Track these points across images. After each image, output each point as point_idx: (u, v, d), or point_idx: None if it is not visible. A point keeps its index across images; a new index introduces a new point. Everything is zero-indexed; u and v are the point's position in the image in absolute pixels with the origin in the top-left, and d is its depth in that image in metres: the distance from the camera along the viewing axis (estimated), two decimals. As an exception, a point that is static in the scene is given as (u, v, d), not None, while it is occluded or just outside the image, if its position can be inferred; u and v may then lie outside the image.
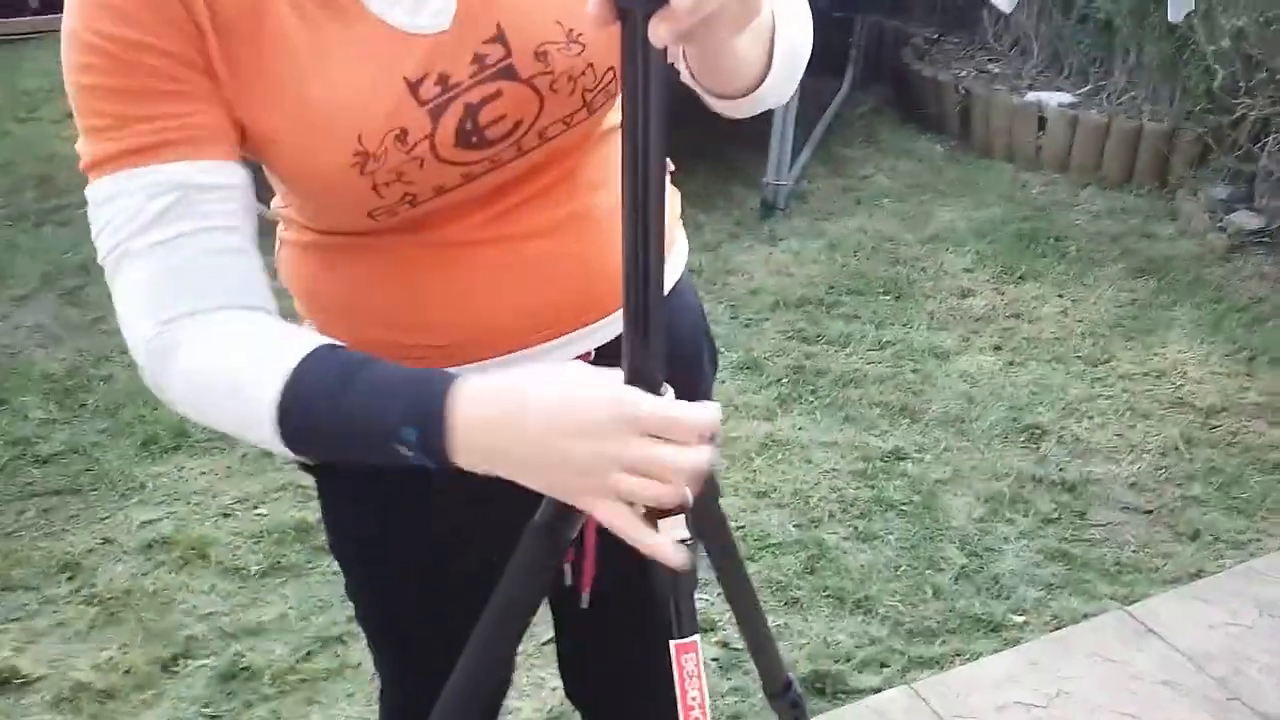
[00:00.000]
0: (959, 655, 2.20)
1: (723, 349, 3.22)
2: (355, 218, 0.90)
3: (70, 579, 2.33)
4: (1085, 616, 2.28)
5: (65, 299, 3.47)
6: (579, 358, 0.99)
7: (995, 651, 2.19)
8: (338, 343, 0.84)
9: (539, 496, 0.85)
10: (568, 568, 1.09)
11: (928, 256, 3.81)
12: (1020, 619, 2.30)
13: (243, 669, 2.11)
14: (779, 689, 1.20)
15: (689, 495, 0.78)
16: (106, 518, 2.51)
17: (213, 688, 2.08)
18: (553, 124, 0.92)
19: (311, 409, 0.80)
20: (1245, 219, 3.83)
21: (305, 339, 0.84)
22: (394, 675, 1.32)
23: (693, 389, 1.01)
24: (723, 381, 3.08)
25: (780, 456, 2.78)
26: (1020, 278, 3.67)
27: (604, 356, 0.99)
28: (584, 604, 1.12)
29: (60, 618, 2.23)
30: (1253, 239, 3.76)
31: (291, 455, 0.85)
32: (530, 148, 0.92)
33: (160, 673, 2.11)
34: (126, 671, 2.10)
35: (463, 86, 0.86)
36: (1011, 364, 3.20)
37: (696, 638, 0.84)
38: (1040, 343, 3.31)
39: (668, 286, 1.09)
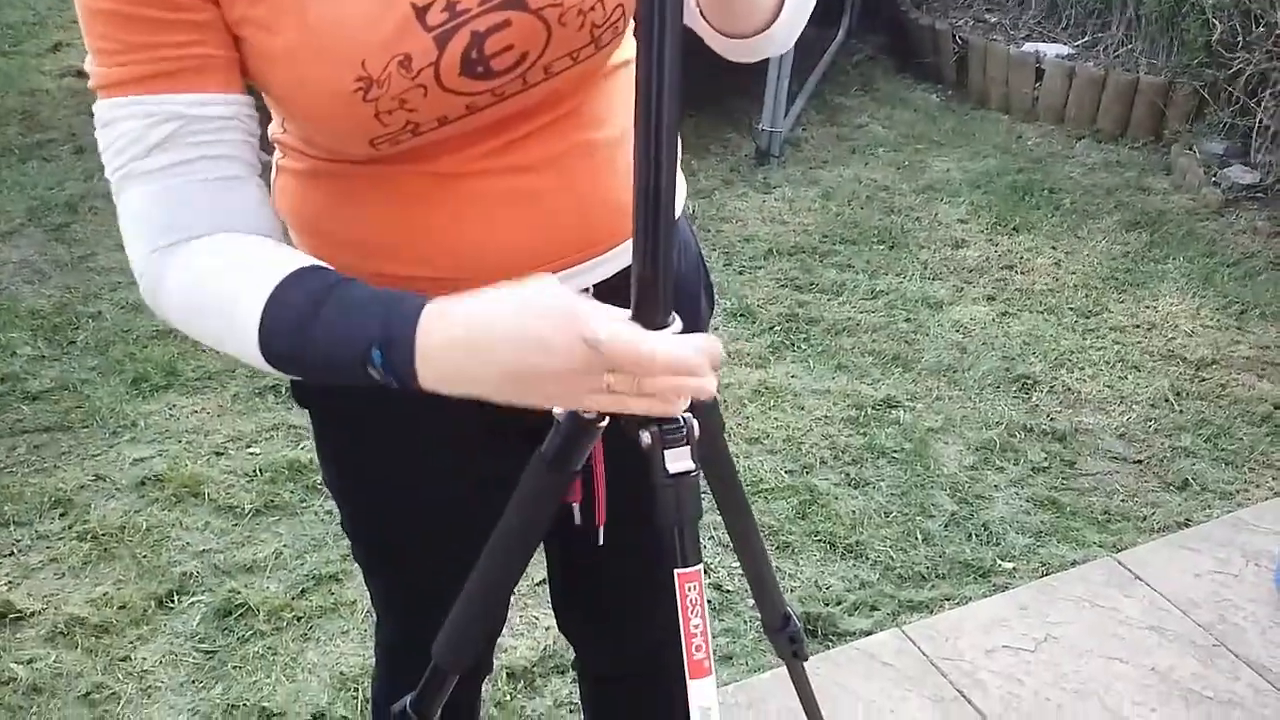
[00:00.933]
0: (948, 600, 2.23)
1: (715, 296, 3.22)
2: (357, 145, 0.89)
3: (63, 515, 2.33)
4: (1073, 564, 2.31)
5: (52, 235, 3.43)
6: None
7: (984, 597, 2.22)
8: (321, 264, 0.84)
9: (534, 424, 0.85)
10: (576, 509, 1.09)
11: (922, 206, 3.80)
12: (1009, 566, 2.33)
13: (238, 605, 2.11)
14: (778, 623, 1.21)
15: (678, 407, 0.78)
16: (98, 455, 2.50)
17: (208, 624, 2.09)
18: (559, 58, 0.90)
19: (287, 329, 0.81)
20: (1240, 174, 3.83)
21: (290, 259, 0.84)
22: (388, 608, 1.33)
23: (691, 326, 1.03)
24: (715, 329, 3.07)
25: (773, 403, 2.79)
26: (1014, 229, 3.66)
27: (604, 292, 0.99)
28: (599, 540, 1.12)
29: (53, 553, 2.23)
30: (1246, 194, 3.76)
31: (280, 374, 0.86)
32: (535, 81, 0.91)
33: (155, 608, 2.11)
34: (121, 607, 2.10)
35: (470, 14, 0.85)
36: (1004, 314, 3.21)
37: (700, 567, 0.85)
38: (1033, 294, 3.31)
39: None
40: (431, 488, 1.11)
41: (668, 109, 0.72)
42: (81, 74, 4.70)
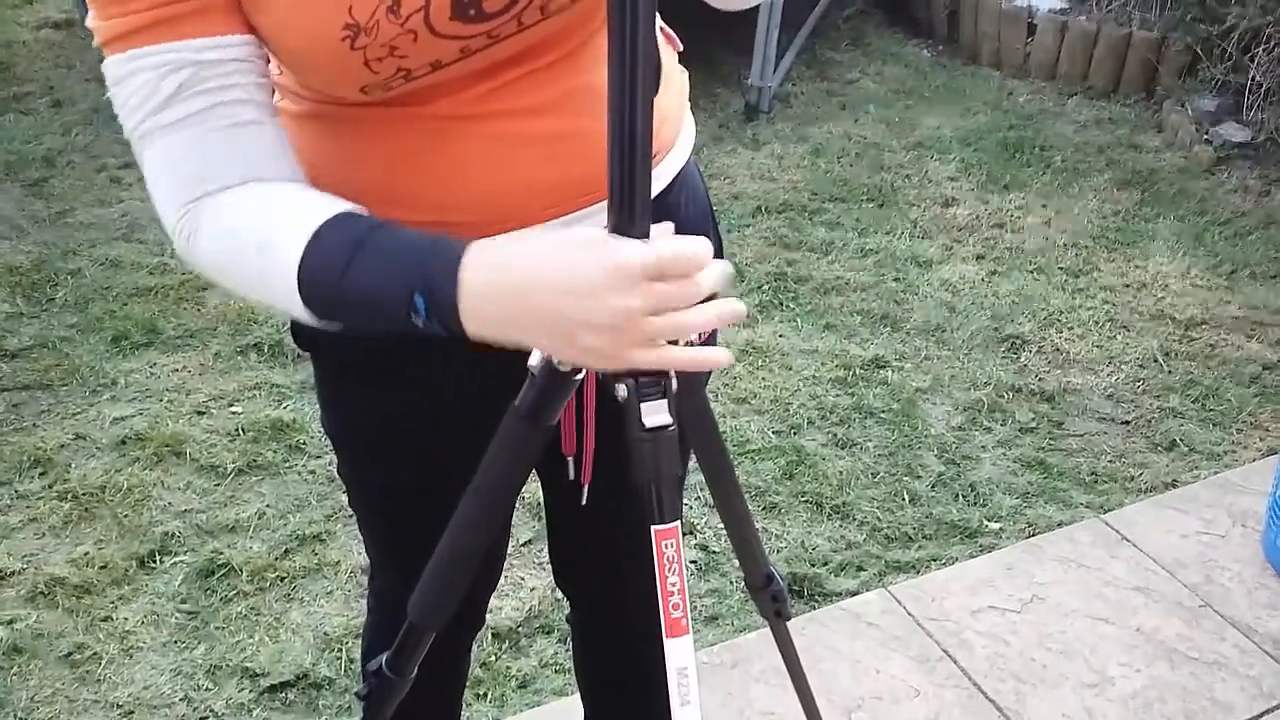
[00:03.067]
0: (935, 560, 2.22)
1: (704, 254, 3.19)
2: (347, 91, 0.87)
3: (42, 474, 2.30)
4: (1060, 524, 2.30)
5: (29, 190, 3.37)
6: None
7: (970, 557, 2.22)
8: (356, 208, 0.82)
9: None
10: (570, 461, 1.08)
11: (912, 164, 3.76)
12: (996, 526, 2.32)
13: (220, 566, 2.10)
14: (761, 582, 1.20)
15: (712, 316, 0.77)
16: (78, 413, 2.47)
17: (190, 584, 2.07)
18: None
19: (327, 279, 0.79)
20: (1232, 131, 3.80)
21: (325, 205, 0.82)
22: (384, 557, 1.31)
23: None
24: (704, 286, 3.05)
25: (760, 363, 2.77)
26: (1004, 187, 3.64)
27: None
28: (583, 500, 1.11)
29: (33, 513, 2.20)
30: (1238, 151, 3.74)
31: (317, 321, 0.83)
32: (531, 23, 0.88)
33: (137, 568, 2.09)
34: (103, 567, 2.08)
35: None
36: (994, 274, 3.19)
37: (677, 524, 0.83)
38: (1023, 253, 3.29)
39: (677, 165, 1.07)
40: (433, 433, 1.09)
41: (643, 37, 0.70)
42: (58, 25, 4.64)
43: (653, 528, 0.83)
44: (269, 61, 0.88)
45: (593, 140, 0.93)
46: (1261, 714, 1.88)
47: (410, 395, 1.07)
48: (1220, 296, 3.11)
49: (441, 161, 0.92)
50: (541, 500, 1.36)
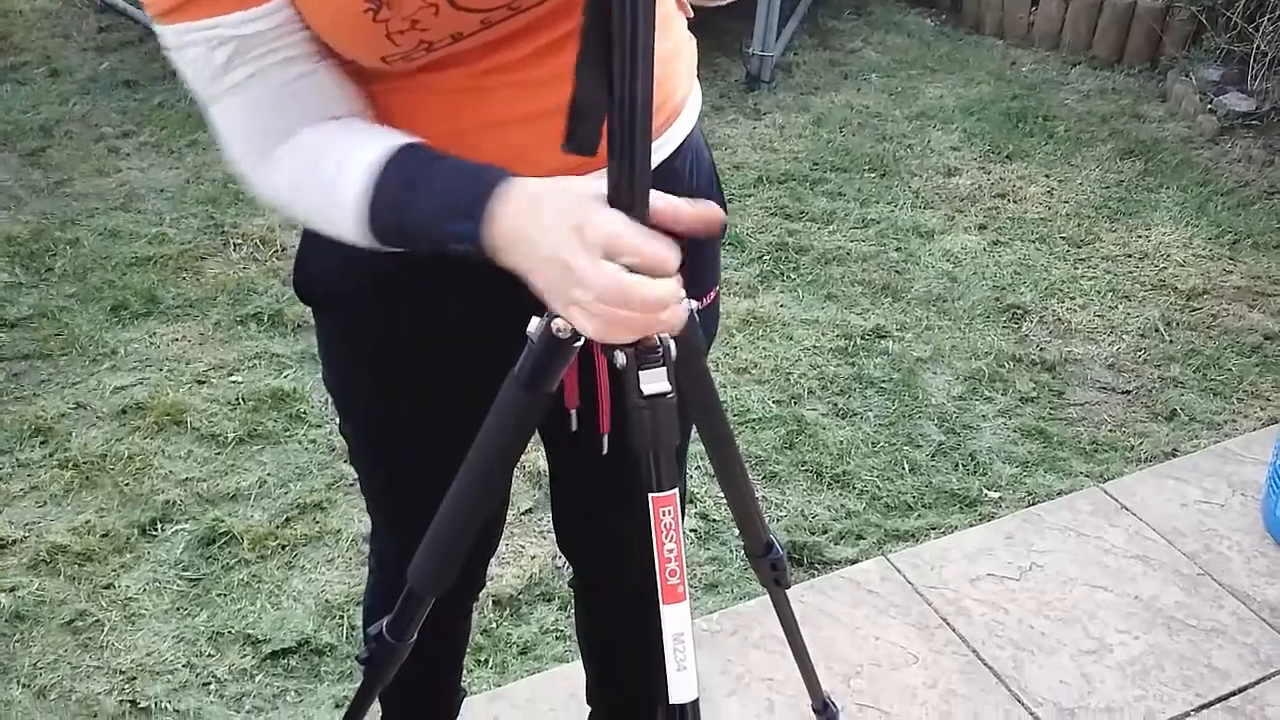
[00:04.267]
0: (934, 529, 2.23)
1: (705, 223, 3.17)
2: (369, 60, 0.88)
3: (43, 443, 2.30)
4: (1060, 494, 2.31)
5: (27, 160, 3.36)
6: None
7: (970, 526, 2.22)
8: (415, 140, 0.86)
9: (530, 312, 0.85)
10: (573, 414, 1.08)
11: (914, 134, 3.74)
12: (995, 495, 2.32)
13: (222, 534, 2.10)
14: (760, 549, 1.20)
15: (662, 330, 0.77)
16: (78, 383, 2.47)
17: (191, 552, 2.08)
18: None
19: (390, 210, 0.84)
20: (1236, 101, 3.78)
21: (387, 138, 0.86)
22: (385, 516, 1.32)
23: (710, 241, 1.12)
24: (704, 256, 3.04)
25: (761, 333, 2.76)
26: (1007, 157, 3.62)
27: None
28: (604, 449, 1.12)
29: (34, 481, 2.21)
30: (1242, 121, 3.71)
31: (380, 247, 0.88)
32: None
33: (139, 536, 2.10)
34: (104, 535, 2.09)
35: None
36: (996, 244, 3.18)
37: (674, 492, 0.83)
38: (1025, 223, 3.28)
39: (684, 132, 1.07)
40: (436, 388, 1.10)
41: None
42: (53, -7, 4.59)
43: (650, 495, 0.83)
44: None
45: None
46: (1258, 681, 1.89)
47: (411, 330, 1.07)
48: (1222, 266, 3.10)
49: (450, 131, 0.92)
50: (544, 468, 1.36)
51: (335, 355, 1.16)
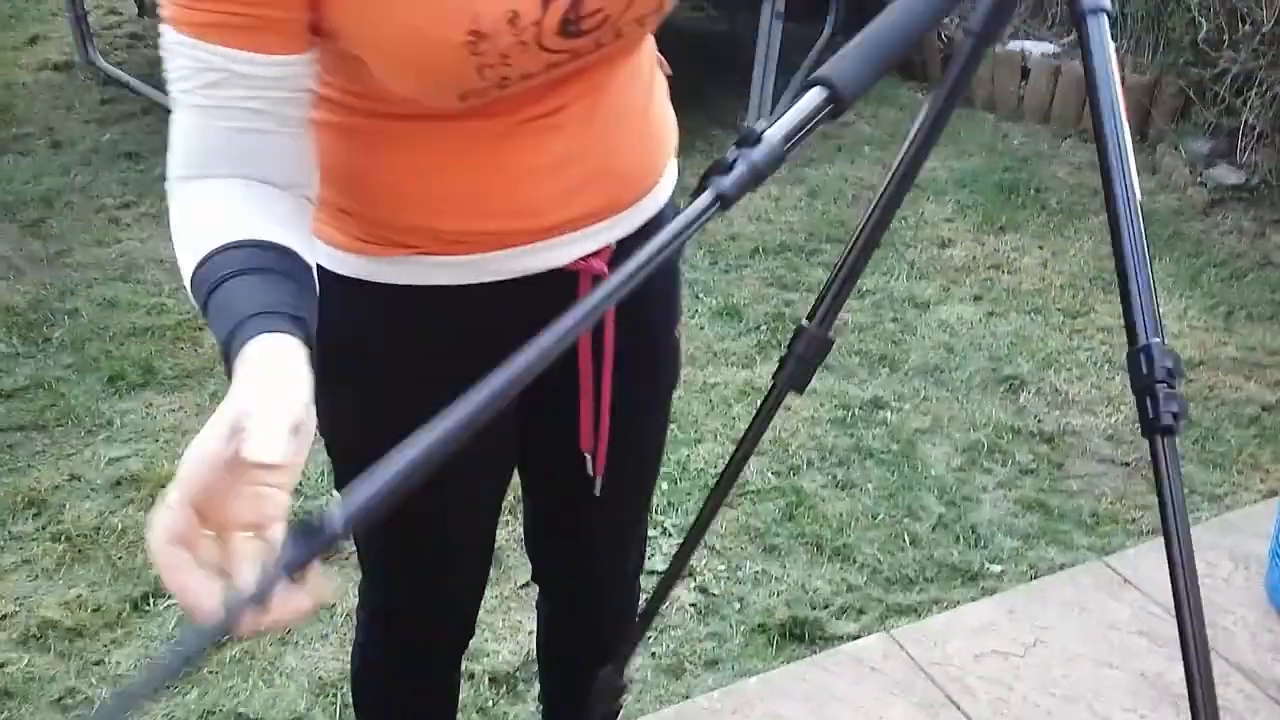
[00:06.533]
0: (936, 603, 2.20)
1: (701, 294, 3.19)
2: (446, 97, 0.91)
3: (36, 515, 2.28)
4: (1062, 567, 2.29)
5: (27, 231, 3.37)
6: (600, 250, 1.07)
7: (972, 600, 2.20)
8: (249, 240, 0.81)
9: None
10: (589, 459, 1.16)
11: (908, 206, 3.77)
12: (997, 569, 2.31)
13: (214, 609, 2.07)
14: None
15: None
16: (73, 454, 2.46)
17: (183, 627, 2.05)
18: (630, 22, 0.95)
19: (196, 297, 0.82)
20: (1225, 174, 3.82)
21: (236, 228, 0.82)
22: (384, 566, 1.31)
23: (665, 319, 1.21)
24: (701, 328, 3.05)
25: (759, 403, 2.75)
26: (1000, 228, 3.65)
27: (623, 249, 1.08)
28: (596, 491, 1.19)
29: (26, 554, 2.18)
30: (1232, 194, 3.76)
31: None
32: (605, 43, 0.95)
33: (130, 611, 2.07)
34: (96, 609, 2.06)
35: None
36: (991, 314, 3.19)
37: None
38: (1020, 294, 3.30)
39: (660, 202, 1.13)
40: (418, 357, 1.10)
41: None
42: (58, 67, 4.66)
43: None
44: (310, 84, 0.90)
45: (618, 160, 1.04)
46: (1268, 760, 1.86)
47: (416, 383, 1.06)
48: (1217, 338, 3.11)
49: (482, 177, 0.98)
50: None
51: (334, 393, 1.13)
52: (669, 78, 1.16)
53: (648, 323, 1.19)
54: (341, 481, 1.21)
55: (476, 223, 1.00)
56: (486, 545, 1.33)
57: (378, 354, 1.09)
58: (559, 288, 1.03)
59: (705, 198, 0.68)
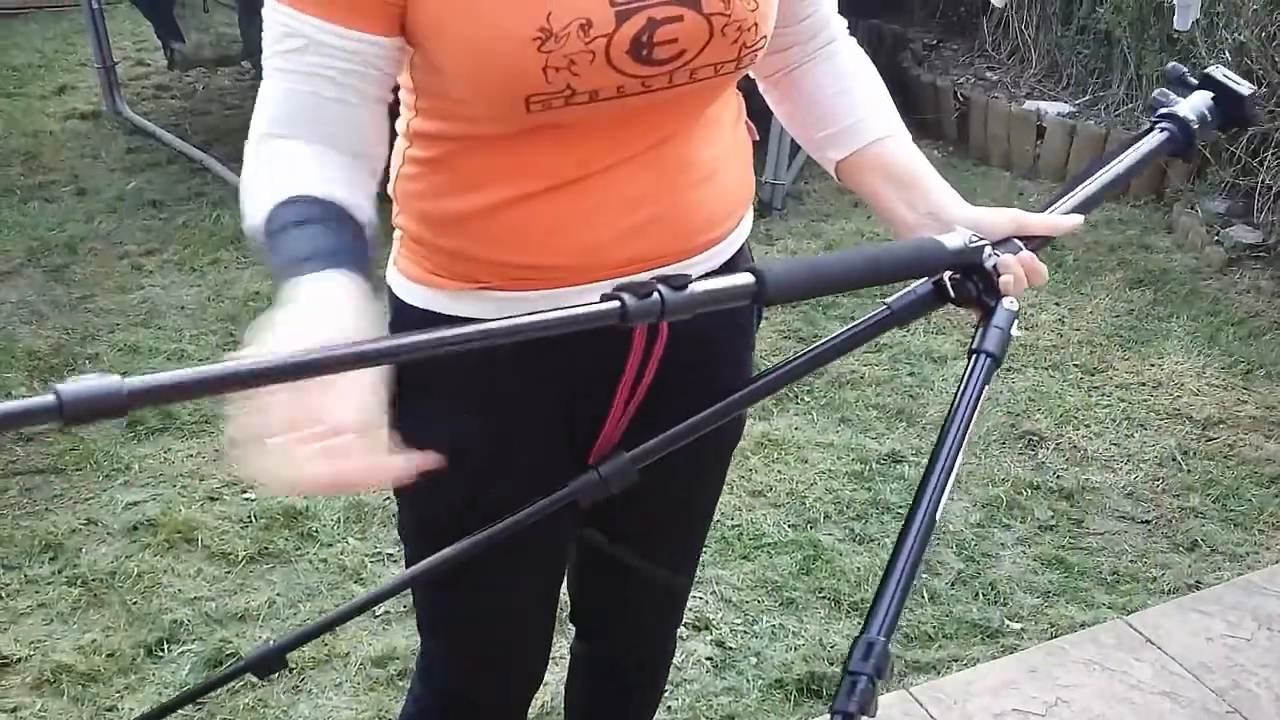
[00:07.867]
0: (955, 661, 2.18)
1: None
2: (511, 102, 0.93)
3: (52, 559, 2.28)
4: (1082, 625, 2.26)
5: (50, 276, 3.41)
6: None
7: (992, 658, 2.17)
8: (303, 196, 0.90)
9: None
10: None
11: (925, 261, 3.79)
12: (1017, 626, 2.28)
13: (229, 655, 2.06)
14: None
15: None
16: (90, 499, 2.46)
17: (197, 673, 2.04)
18: (706, 65, 0.97)
19: (260, 245, 0.91)
20: (1242, 233, 3.83)
21: (297, 184, 0.91)
22: (451, 647, 1.29)
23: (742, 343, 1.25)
24: (719, 379, 3.05)
25: (776, 456, 2.75)
26: (1017, 285, 3.65)
27: None
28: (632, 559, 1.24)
29: (42, 599, 2.18)
30: (1250, 253, 3.76)
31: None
32: (679, 83, 0.97)
33: (144, 657, 2.06)
34: (110, 655, 2.05)
35: (652, 1, 0.92)
36: (1009, 370, 3.18)
37: None
38: (1037, 350, 3.29)
39: (721, 259, 1.13)
40: (493, 452, 1.11)
41: None
42: (84, 116, 4.74)
43: None
44: (394, 65, 0.96)
45: (684, 212, 1.06)
46: (1296, 826, 1.82)
47: (475, 417, 1.10)
48: (1237, 396, 3.10)
49: (546, 217, 1.00)
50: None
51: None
52: (755, 143, 1.18)
53: (716, 380, 1.16)
54: (402, 500, 1.21)
55: (545, 258, 1.02)
56: (551, 607, 1.32)
57: (442, 379, 1.09)
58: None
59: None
